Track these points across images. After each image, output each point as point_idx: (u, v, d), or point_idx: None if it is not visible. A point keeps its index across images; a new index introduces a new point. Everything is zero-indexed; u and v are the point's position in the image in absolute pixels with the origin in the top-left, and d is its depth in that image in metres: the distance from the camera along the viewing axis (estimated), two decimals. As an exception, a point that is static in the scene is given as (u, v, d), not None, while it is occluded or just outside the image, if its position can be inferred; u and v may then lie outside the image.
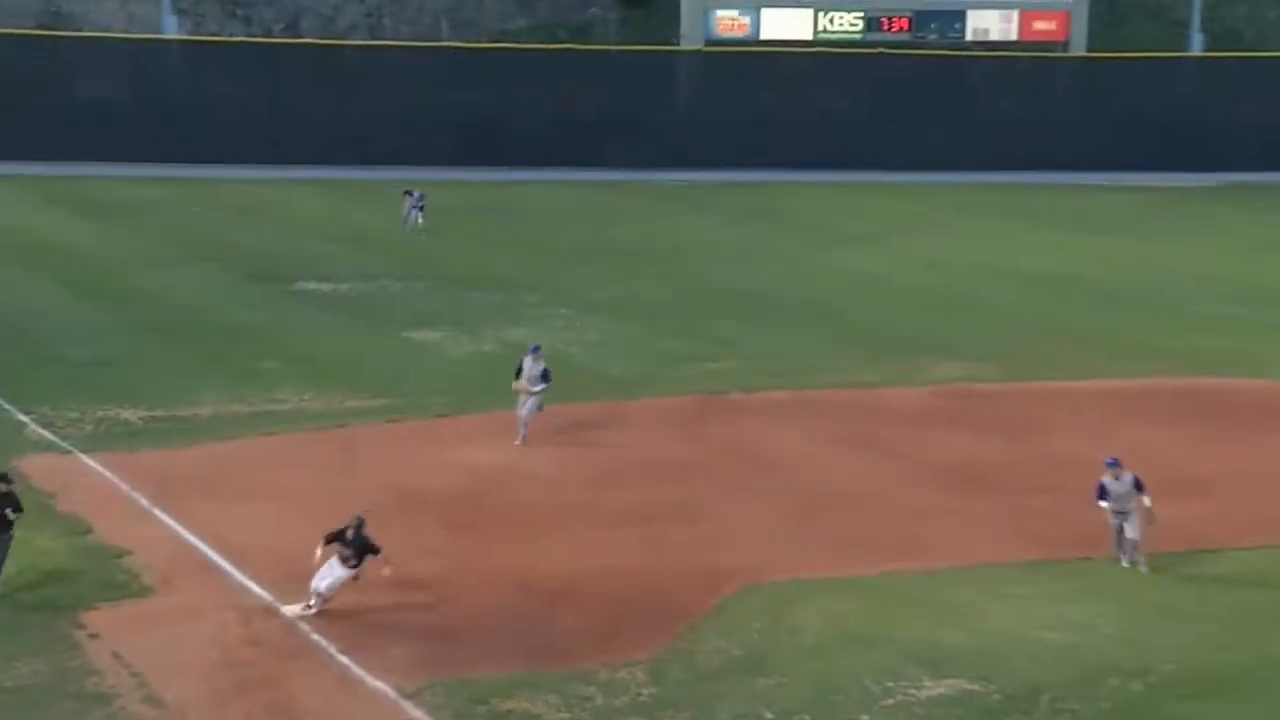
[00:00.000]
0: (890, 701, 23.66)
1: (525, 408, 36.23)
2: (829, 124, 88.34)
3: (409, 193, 66.31)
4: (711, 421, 38.75)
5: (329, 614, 26.24)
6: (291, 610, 26.40)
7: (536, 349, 36.98)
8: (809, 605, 27.23)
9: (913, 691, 23.99)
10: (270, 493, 32.22)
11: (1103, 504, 29.13)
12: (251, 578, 27.91)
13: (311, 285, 55.59)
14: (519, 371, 36.39)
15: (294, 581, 26.80)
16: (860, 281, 57.73)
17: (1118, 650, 24.94)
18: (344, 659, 24.82)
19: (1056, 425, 38.76)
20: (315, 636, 25.67)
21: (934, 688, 24.10)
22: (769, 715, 23.16)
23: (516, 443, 35.84)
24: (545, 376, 36.23)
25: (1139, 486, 28.75)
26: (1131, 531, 28.90)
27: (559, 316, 50.60)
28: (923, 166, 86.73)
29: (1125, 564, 29.04)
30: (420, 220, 65.33)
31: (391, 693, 23.71)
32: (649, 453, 36.00)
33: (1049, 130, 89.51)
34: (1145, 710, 23.14)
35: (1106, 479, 29.06)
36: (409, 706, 23.28)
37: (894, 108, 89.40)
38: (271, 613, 26.53)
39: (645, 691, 23.94)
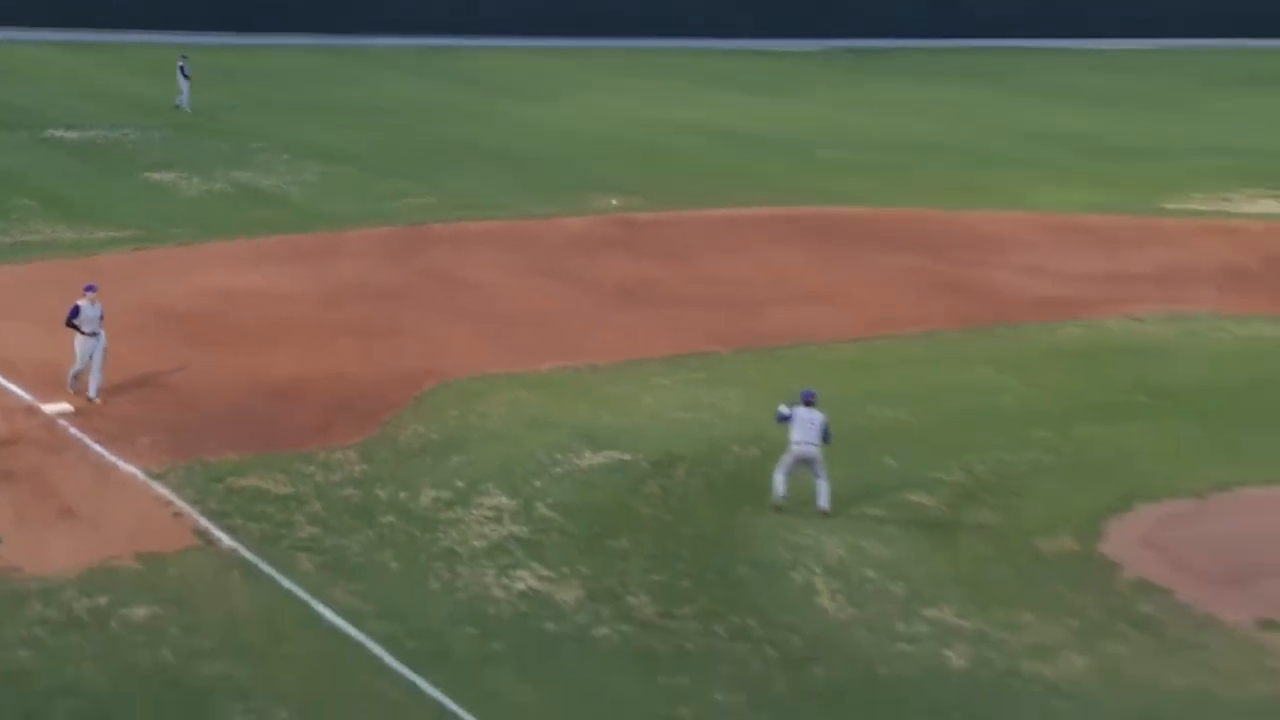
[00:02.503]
0: (559, 470, 24.60)
1: (91, 355, 27.00)
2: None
3: (181, 64, 60.27)
4: (415, 249, 38.99)
5: (85, 413, 26.37)
6: (52, 409, 26.35)
7: (91, 288, 27.44)
8: (494, 396, 27.91)
9: (576, 462, 24.95)
10: (29, 313, 31.58)
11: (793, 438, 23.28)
12: (14, 382, 27.67)
13: (59, 133, 54.13)
14: (75, 311, 27.12)
15: (53, 386, 26.86)
16: (538, 133, 57.85)
17: (738, 426, 26.09)
18: (100, 449, 24.92)
19: (702, 248, 39.89)
20: (74, 431, 25.68)
21: (594, 458, 25.08)
22: (460, 484, 23.92)
23: (95, 399, 26.90)
24: (96, 324, 27.18)
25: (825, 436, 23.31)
26: (823, 488, 23.28)
27: (281, 161, 50.07)
28: (595, 32, 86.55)
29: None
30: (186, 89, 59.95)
31: (141, 475, 23.90)
32: (362, 276, 36.22)
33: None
34: (756, 470, 24.21)
35: (787, 410, 23.49)
36: (156, 486, 23.50)
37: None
38: (33, 412, 26.40)
39: (358, 469, 24.45)
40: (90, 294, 27.29)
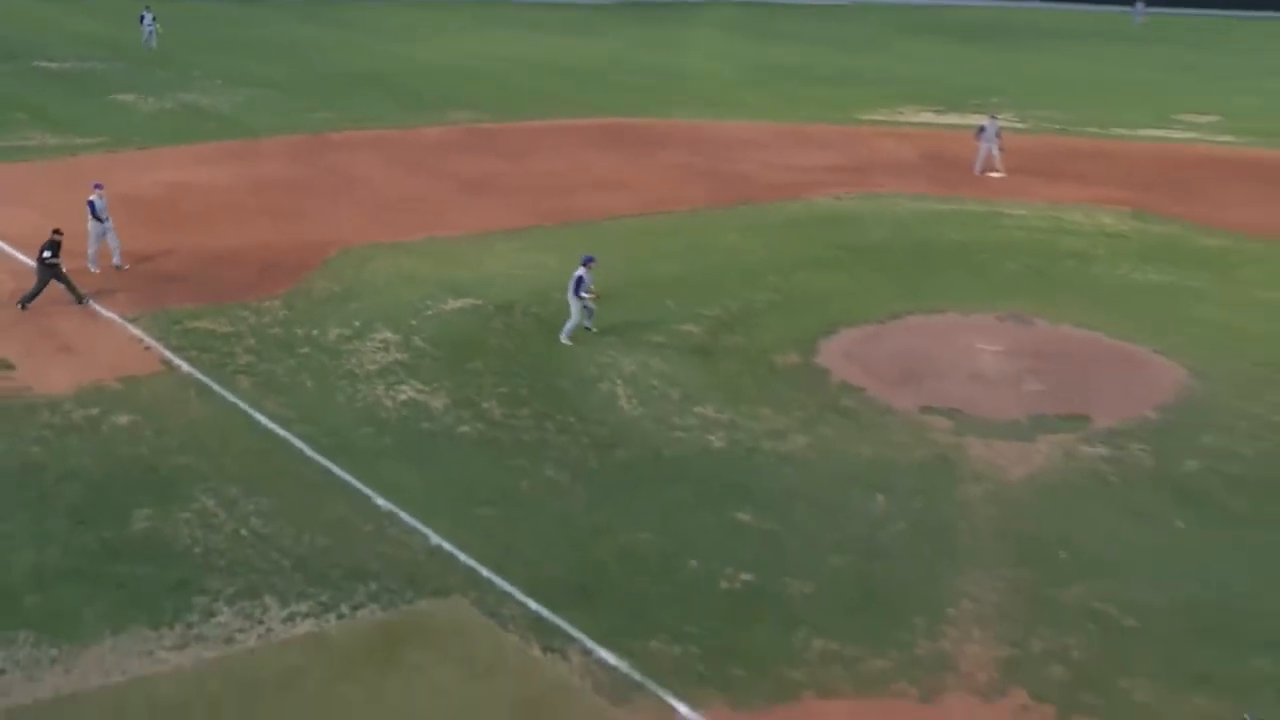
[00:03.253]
0: (429, 313, 24.37)
1: (102, 236, 25.95)
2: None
3: (144, 15, 57.12)
4: (318, 152, 37.93)
5: (75, 274, 25.36)
6: (48, 273, 25.38)
7: (99, 186, 26.37)
8: (382, 260, 27.51)
9: (442, 306, 24.72)
10: (28, 201, 30.48)
11: (584, 296, 22.65)
12: (19, 251, 26.68)
13: (43, 64, 51.46)
14: (94, 206, 25.91)
15: (48, 255, 25.85)
16: (406, 65, 56.35)
17: (556, 278, 25.60)
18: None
19: (530, 149, 39.32)
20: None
21: (455, 303, 24.86)
22: (357, 324, 23.66)
23: (123, 266, 26.08)
24: (104, 213, 25.92)
25: (574, 288, 22.53)
26: (586, 321, 23.23)
27: (216, 86, 48.27)
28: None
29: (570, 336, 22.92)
30: (154, 38, 56.96)
31: (119, 320, 23.36)
32: (279, 172, 35.25)
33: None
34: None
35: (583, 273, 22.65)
36: (130, 327, 23.01)
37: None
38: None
39: (281, 313, 24.07)
40: (99, 191, 26.19)
